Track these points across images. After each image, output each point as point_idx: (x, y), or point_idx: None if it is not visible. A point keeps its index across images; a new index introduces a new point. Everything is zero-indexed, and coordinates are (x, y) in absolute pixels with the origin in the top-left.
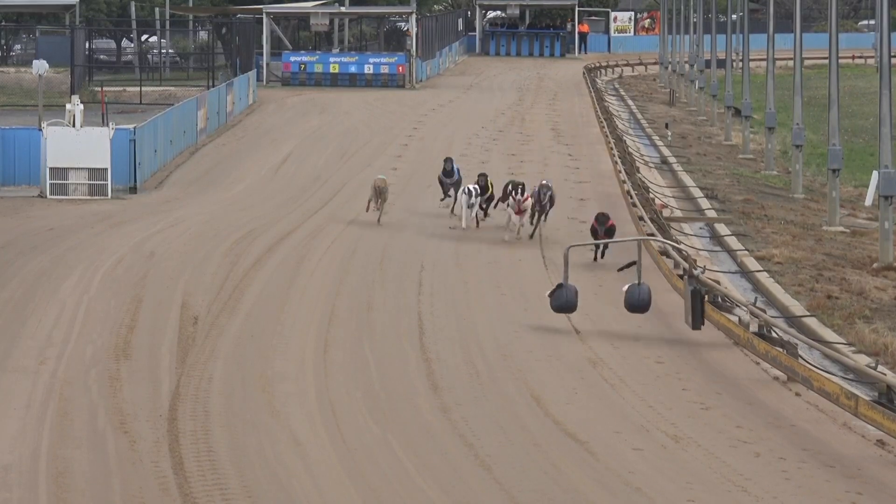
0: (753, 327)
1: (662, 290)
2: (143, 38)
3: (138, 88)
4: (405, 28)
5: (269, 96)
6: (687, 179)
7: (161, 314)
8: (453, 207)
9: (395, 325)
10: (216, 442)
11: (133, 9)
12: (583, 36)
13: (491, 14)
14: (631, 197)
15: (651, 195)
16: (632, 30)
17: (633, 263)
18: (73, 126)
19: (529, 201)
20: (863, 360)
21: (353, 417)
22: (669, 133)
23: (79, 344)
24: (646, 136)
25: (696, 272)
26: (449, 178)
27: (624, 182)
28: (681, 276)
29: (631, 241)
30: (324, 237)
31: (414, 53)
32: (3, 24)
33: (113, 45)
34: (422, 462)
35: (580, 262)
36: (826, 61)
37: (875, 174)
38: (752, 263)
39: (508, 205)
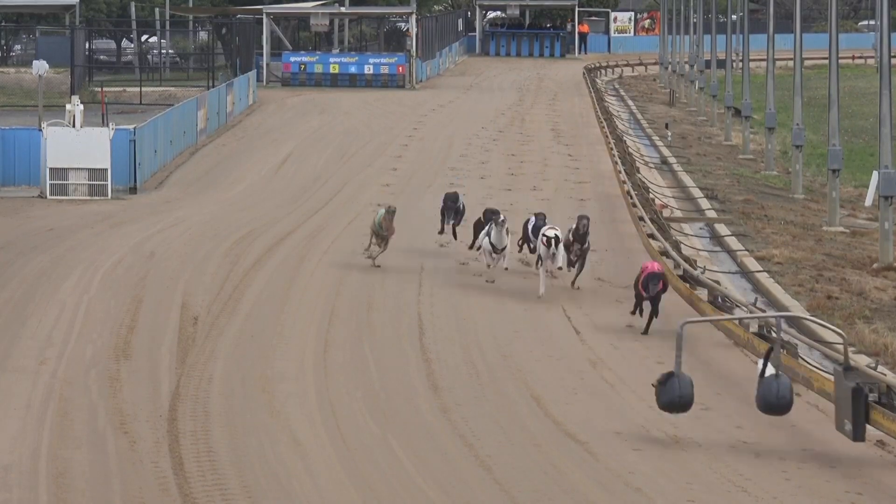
0: (753, 327)
1: None
2: (143, 38)
3: (138, 89)
4: (405, 28)
5: (269, 97)
6: (687, 180)
7: (161, 314)
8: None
9: (395, 325)
10: (216, 442)
11: (133, 9)
12: (583, 36)
13: (491, 14)
14: (631, 197)
15: (651, 195)
16: (632, 30)
17: (771, 351)
18: (73, 126)
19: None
20: (863, 361)
21: (353, 417)
22: (669, 133)
23: (79, 344)
24: (646, 136)
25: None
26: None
27: (624, 182)
28: (681, 277)
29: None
30: (324, 237)
31: (414, 54)
32: (3, 24)
33: (113, 45)
34: (422, 462)
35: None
36: (826, 61)
37: (875, 174)
38: (752, 264)
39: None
